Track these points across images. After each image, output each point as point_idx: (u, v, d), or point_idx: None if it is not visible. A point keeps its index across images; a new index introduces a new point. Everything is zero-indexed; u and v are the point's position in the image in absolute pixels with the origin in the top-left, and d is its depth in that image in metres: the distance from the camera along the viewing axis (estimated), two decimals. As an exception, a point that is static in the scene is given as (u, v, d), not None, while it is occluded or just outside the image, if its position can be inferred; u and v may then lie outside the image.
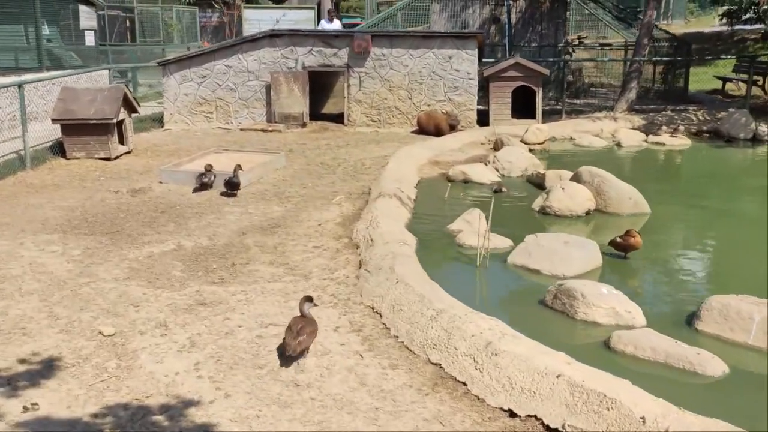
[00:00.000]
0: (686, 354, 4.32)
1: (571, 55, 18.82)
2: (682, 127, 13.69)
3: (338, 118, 14.51)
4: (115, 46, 24.16)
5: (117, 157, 10.75)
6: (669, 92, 17.57)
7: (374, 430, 3.75)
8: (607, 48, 20.14)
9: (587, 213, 7.90)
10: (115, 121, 10.53)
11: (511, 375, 3.99)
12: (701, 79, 19.11)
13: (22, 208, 8.03)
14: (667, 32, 19.41)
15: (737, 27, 22.78)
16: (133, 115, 11.57)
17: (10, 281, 5.78)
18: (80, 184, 9.25)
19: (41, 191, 8.86)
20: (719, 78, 19.33)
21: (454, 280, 5.76)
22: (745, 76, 17.81)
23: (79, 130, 10.45)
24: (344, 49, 13.84)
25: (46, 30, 16.88)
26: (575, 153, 12.12)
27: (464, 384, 4.17)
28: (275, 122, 13.82)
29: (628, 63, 16.40)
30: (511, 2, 18.16)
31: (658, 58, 17.42)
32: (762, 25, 21.01)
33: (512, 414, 3.87)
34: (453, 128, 13.24)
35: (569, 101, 16.21)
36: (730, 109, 14.61)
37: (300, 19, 22.23)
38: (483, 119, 14.05)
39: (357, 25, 23.03)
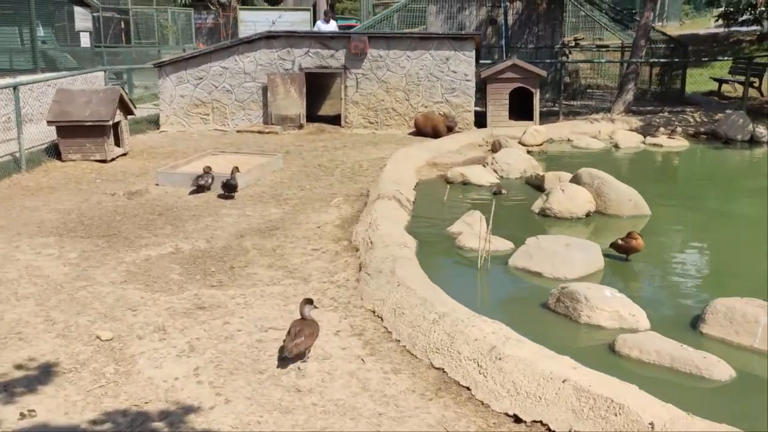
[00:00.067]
0: (692, 358, 4.28)
1: (567, 57, 18.80)
2: (679, 129, 13.67)
3: (335, 120, 14.46)
4: (110, 48, 24.05)
5: (113, 159, 10.68)
6: (666, 94, 17.57)
7: (378, 437, 3.70)
8: (604, 50, 20.13)
9: (587, 215, 7.86)
10: (111, 122, 10.46)
11: (515, 380, 3.93)
12: (697, 80, 19.12)
13: (17, 210, 7.95)
14: (663, 34, 19.41)
15: (733, 29, 22.84)
16: (129, 116, 11.51)
17: (6, 285, 5.70)
18: (76, 187, 9.17)
19: (37, 194, 8.78)
20: (715, 79, 19.33)
21: (455, 283, 5.70)
22: (741, 78, 17.82)
23: (74, 132, 10.37)
24: (341, 51, 13.79)
25: (41, 31, 16.79)
26: (573, 155, 12.09)
27: (468, 389, 4.12)
28: (272, 124, 13.76)
29: (625, 64, 16.39)
30: (508, 4, 18.13)
31: (655, 60, 17.41)
32: (758, 27, 21.08)
33: (517, 419, 3.81)
34: (450, 130, 13.19)
35: (566, 103, 16.18)
36: (727, 111, 14.59)
37: (296, 20, 22.18)
38: (480, 121, 14.01)
39: (352, 27, 22.99)
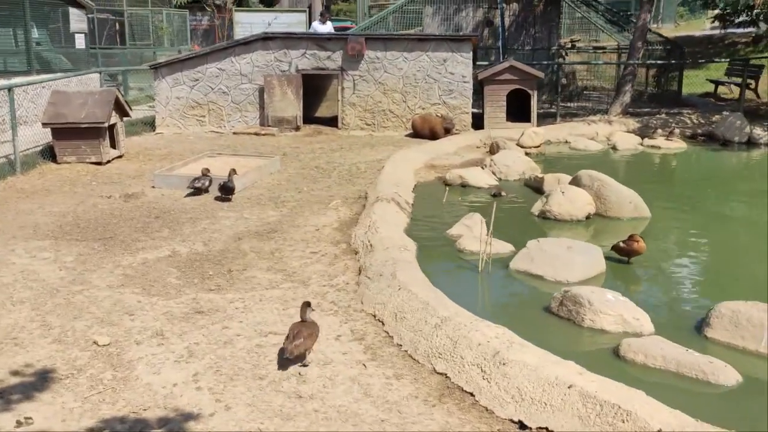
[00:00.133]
0: (698, 362, 4.23)
1: (564, 59, 18.78)
2: (677, 131, 13.64)
3: (332, 122, 14.40)
4: (105, 49, 23.94)
5: (108, 162, 10.60)
6: (662, 95, 17.56)
7: (381, 444, 3.64)
8: (600, 51, 20.11)
9: (587, 217, 7.81)
10: (106, 124, 10.38)
11: (520, 385, 3.88)
12: (693, 82, 19.11)
13: (12, 214, 7.87)
14: (660, 35, 19.40)
15: (728, 30, 22.84)
16: (125, 118, 11.42)
17: (1, 289, 5.62)
18: (71, 189, 9.08)
19: (32, 196, 8.69)
20: (712, 81, 19.34)
21: (456, 287, 5.64)
22: (737, 80, 17.82)
23: (69, 134, 10.29)
24: (338, 52, 13.73)
25: (35, 33, 16.67)
26: (571, 156, 12.05)
27: (472, 395, 4.06)
28: (268, 126, 13.69)
29: (623, 66, 16.37)
30: (504, 5, 18.08)
31: (652, 62, 17.40)
32: (753, 29, 21.07)
33: (523, 426, 3.75)
34: (448, 131, 13.14)
35: (563, 105, 16.15)
36: (725, 113, 14.58)
37: (292, 22, 22.11)
38: (477, 122, 13.96)
39: (347, 28, 22.93)
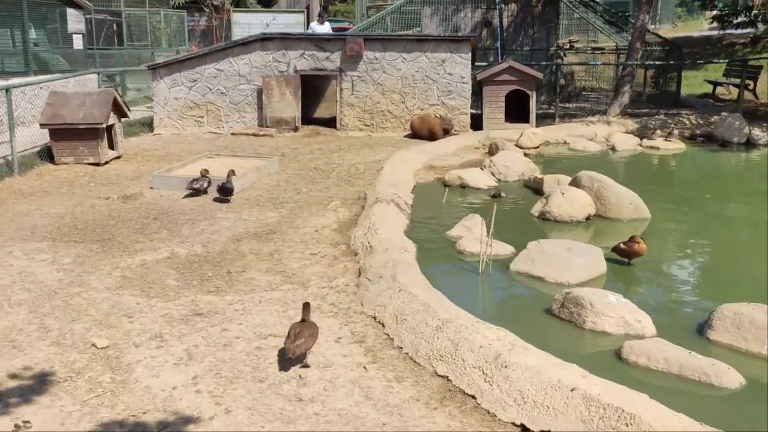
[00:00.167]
0: (701, 365, 4.20)
1: (562, 59, 18.76)
2: (676, 131, 13.62)
3: (330, 123, 14.37)
4: (102, 50, 23.89)
5: (107, 163, 10.56)
6: (661, 96, 17.55)
7: (383, 448, 3.61)
8: (598, 52, 20.10)
9: (587, 218, 7.79)
10: (104, 125, 10.34)
11: (522, 388, 3.85)
12: (691, 83, 19.10)
13: (9, 215, 7.83)
14: (658, 36, 19.40)
15: (726, 31, 22.86)
16: (123, 119, 11.38)
17: (-1, 291, 5.59)
18: (69, 191, 9.04)
19: (29, 198, 8.65)
20: (710, 82, 19.33)
21: (456, 288, 5.61)
22: (735, 80, 17.82)
23: (67, 134, 10.25)
24: (337, 53, 13.70)
25: (33, 33, 16.62)
26: (570, 157, 12.03)
27: (473, 397, 4.03)
28: (267, 127, 13.65)
29: (621, 67, 16.35)
30: (503, 6, 18.07)
31: (651, 62, 17.38)
32: (752, 29, 21.09)
33: (525, 429, 3.73)
34: (447, 132, 13.12)
35: (561, 105, 16.13)
36: (723, 114, 14.56)
37: (290, 22, 22.10)
38: (476, 123, 13.94)
39: (345, 29, 22.89)
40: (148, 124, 14.09)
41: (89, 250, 6.61)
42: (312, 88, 14.90)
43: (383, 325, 4.96)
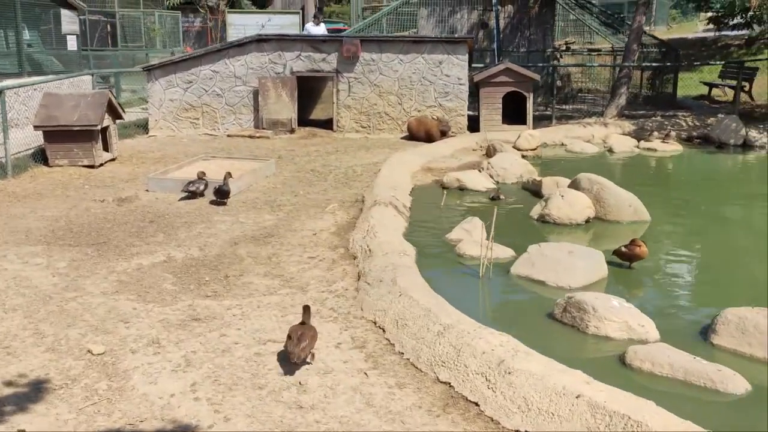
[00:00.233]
0: (706, 371, 4.15)
1: (559, 61, 18.73)
2: (673, 133, 13.61)
3: (327, 124, 14.30)
4: (96, 51, 23.77)
5: (101, 165, 10.47)
6: (657, 98, 17.54)
7: (385, 456, 3.55)
8: (595, 53, 20.09)
9: (587, 221, 7.74)
10: (99, 127, 10.25)
11: (526, 395, 3.79)
12: (687, 84, 19.10)
13: (3, 218, 7.74)
14: (654, 38, 19.39)
15: (722, 33, 22.88)
16: (118, 121, 11.30)
17: (-7, 296, 5.51)
18: (64, 193, 8.96)
19: (23, 200, 8.56)
20: (705, 84, 19.34)
21: (457, 293, 5.54)
22: (731, 82, 17.81)
23: (62, 136, 10.16)
24: (333, 54, 13.64)
25: (26, 34, 16.51)
26: (568, 159, 11.99)
27: (477, 404, 3.97)
28: (263, 128, 13.58)
29: (618, 68, 16.33)
30: (500, 7, 18.04)
31: (648, 64, 17.37)
32: (746, 31, 21.10)
33: (530, 437, 3.67)
34: (444, 134, 13.06)
35: (558, 107, 16.10)
36: (720, 115, 14.55)
37: (285, 23, 22.04)
38: (473, 125, 13.89)
39: (340, 30, 22.86)
40: (143, 126, 14.01)
41: (84, 254, 6.53)
42: (308, 90, 14.84)
43: (384, 330, 4.89)
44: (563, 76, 18.63)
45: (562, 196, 7.79)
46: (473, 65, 15.13)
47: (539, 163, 11.40)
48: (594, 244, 7.00)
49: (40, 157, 10.43)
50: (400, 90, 13.68)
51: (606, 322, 4.82)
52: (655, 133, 13.67)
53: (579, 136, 13.41)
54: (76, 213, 7.97)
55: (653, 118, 15.07)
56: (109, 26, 27.83)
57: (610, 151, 12.65)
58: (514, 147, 12.03)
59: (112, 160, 10.90)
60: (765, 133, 13.47)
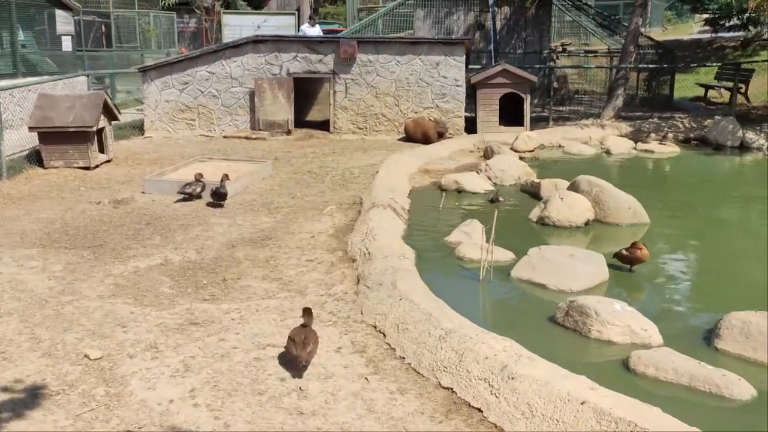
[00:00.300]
0: (711, 376, 4.11)
1: (555, 62, 18.72)
2: (670, 135, 13.60)
3: (323, 126, 14.25)
4: (91, 52, 23.68)
5: (97, 166, 10.39)
6: (654, 99, 17.54)
7: (388, 464, 3.50)
8: (591, 55, 20.08)
9: (586, 223, 7.71)
10: (94, 128, 10.17)
11: (530, 401, 3.75)
12: (683, 86, 19.09)
13: (-2, 220, 7.67)
14: (651, 39, 19.39)
15: (717, 35, 22.91)
16: (113, 122, 11.22)
17: (-12, 300, 5.44)
18: (59, 195, 8.88)
19: (18, 203, 8.48)
20: (701, 85, 19.35)
21: (457, 296, 5.48)
22: (727, 84, 17.82)
23: (57, 138, 10.08)
24: (330, 56, 13.58)
25: (21, 35, 16.42)
26: (566, 161, 11.96)
27: (480, 410, 3.92)
28: (259, 130, 13.52)
29: (614, 70, 16.31)
30: (496, 9, 18.01)
31: (644, 65, 17.36)
32: (741, 33, 21.12)
33: (534, 443, 3.62)
34: (441, 136, 13.02)
35: (554, 108, 16.07)
36: (717, 117, 14.56)
37: (281, 24, 21.99)
38: (470, 126, 13.86)
39: (335, 31, 22.81)
40: (138, 127, 13.93)
41: (80, 257, 6.46)
42: (305, 91, 14.78)
43: (384, 335, 4.84)
44: (560, 78, 18.62)
45: (562, 198, 7.75)
46: (470, 67, 15.10)
47: (537, 164, 11.37)
48: (594, 246, 6.96)
49: (35, 158, 10.35)
50: (397, 91, 13.64)
51: (609, 326, 4.78)
52: (653, 135, 13.67)
53: (576, 138, 13.39)
54: (71, 215, 7.90)
55: (650, 119, 15.06)
56: (103, 27, 27.74)
57: (608, 152, 12.63)
58: (512, 149, 12.00)
59: (108, 161, 10.82)
60: (762, 135, 13.48)
